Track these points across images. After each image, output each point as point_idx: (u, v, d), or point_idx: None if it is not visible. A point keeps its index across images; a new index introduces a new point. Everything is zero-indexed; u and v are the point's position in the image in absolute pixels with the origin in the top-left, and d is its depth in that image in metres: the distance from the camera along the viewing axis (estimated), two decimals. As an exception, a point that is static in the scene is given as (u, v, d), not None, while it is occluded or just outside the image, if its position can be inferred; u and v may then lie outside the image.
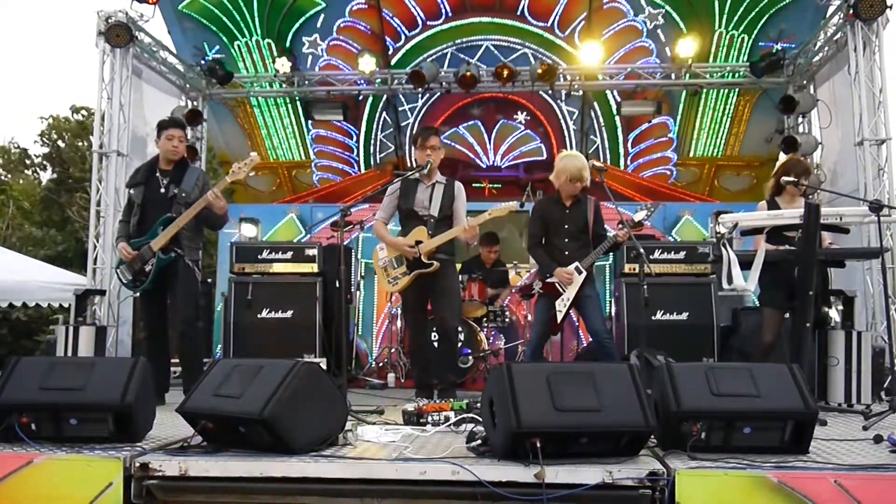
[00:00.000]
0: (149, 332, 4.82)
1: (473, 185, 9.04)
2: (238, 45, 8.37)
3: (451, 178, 4.97)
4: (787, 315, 4.41)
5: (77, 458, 2.66)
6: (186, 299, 4.63)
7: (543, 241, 4.88)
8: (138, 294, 4.83)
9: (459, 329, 5.44)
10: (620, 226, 4.67)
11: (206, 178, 4.93)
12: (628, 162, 9.31)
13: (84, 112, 17.53)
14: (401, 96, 8.86)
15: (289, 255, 6.04)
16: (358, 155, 9.60)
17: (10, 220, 15.59)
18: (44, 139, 17.51)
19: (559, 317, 4.75)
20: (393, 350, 6.84)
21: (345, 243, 4.71)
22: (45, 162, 17.93)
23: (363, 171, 9.66)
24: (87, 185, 14.61)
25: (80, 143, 17.00)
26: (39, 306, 8.70)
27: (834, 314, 5.05)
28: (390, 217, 5.02)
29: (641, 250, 4.60)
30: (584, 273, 4.70)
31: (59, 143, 17.42)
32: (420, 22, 8.47)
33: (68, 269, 10.55)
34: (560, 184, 4.77)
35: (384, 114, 9.32)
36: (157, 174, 4.72)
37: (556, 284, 4.74)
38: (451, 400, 3.98)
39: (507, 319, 6.75)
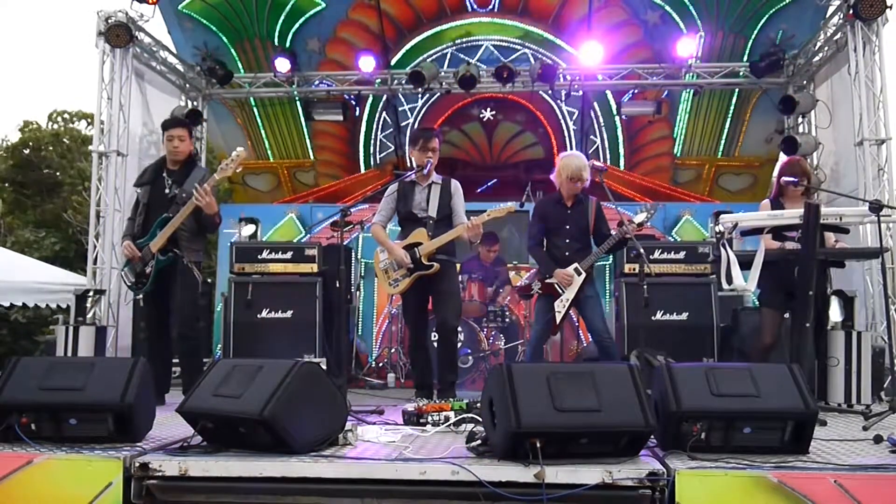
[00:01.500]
0: (149, 333, 4.81)
1: (473, 184, 9.03)
2: (238, 45, 8.36)
3: (448, 176, 4.94)
4: (786, 315, 4.41)
5: (77, 458, 2.66)
6: (185, 300, 4.61)
7: (544, 241, 4.88)
8: (140, 295, 4.82)
9: (459, 329, 5.44)
10: (622, 227, 4.65)
11: (209, 176, 4.89)
12: (628, 162, 9.31)
13: (64, 118, 17.42)
14: (401, 96, 8.85)
15: (289, 255, 6.03)
16: (358, 154, 9.60)
17: (1, 219, 15.50)
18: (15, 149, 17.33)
19: (558, 318, 4.75)
20: (393, 350, 6.84)
21: (345, 243, 4.70)
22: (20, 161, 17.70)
23: (363, 171, 9.66)
24: (79, 187, 14.59)
25: (63, 148, 16.88)
26: (39, 307, 8.68)
27: (834, 314, 5.04)
28: (388, 219, 4.97)
29: (641, 250, 4.59)
30: (584, 274, 4.70)
31: (25, 150, 17.19)
32: (420, 22, 8.47)
33: (68, 269, 10.54)
34: (560, 182, 4.78)
35: (384, 114, 9.32)
36: (164, 174, 4.72)
37: (556, 285, 4.74)
38: (451, 400, 3.97)
39: (507, 319, 6.75)
